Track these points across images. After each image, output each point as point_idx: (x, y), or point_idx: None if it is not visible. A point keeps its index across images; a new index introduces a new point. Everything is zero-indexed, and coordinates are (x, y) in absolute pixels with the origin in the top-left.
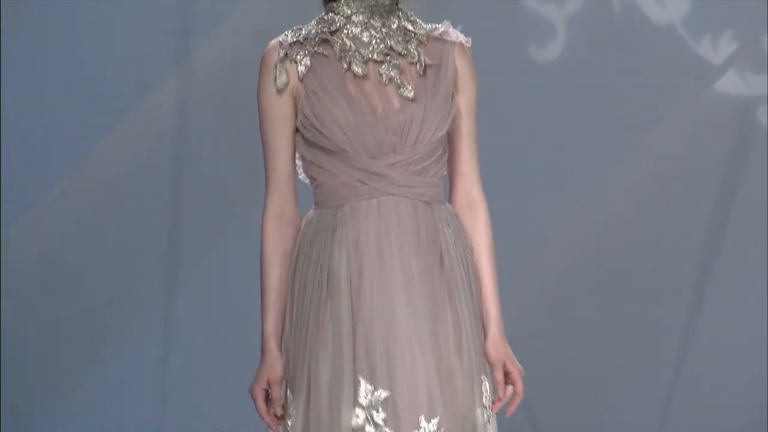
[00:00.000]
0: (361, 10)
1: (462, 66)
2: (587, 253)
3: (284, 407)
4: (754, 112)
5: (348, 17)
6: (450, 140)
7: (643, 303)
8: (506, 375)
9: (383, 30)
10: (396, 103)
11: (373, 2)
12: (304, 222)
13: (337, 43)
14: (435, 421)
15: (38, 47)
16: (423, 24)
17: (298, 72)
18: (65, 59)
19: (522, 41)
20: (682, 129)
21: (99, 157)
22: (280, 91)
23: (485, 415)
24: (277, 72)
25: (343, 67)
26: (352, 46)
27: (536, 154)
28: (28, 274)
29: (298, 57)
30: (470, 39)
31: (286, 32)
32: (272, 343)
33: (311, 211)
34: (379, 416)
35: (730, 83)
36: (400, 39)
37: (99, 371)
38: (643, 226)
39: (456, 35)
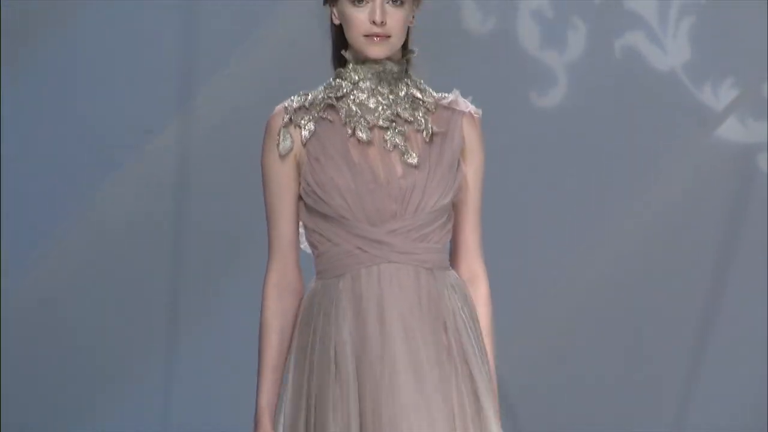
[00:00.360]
0: (369, 76)
1: (470, 136)
2: (588, 301)
3: None
4: (755, 159)
5: (355, 83)
6: (455, 210)
7: (645, 351)
8: None
9: (390, 97)
10: (399, 169)
11: (381, 69)
12: (306, 294)
13: (342, 108)
14: None
15: (38, 94)
16: (432, 92)
17: (301, 137)
18: (66, 106)
19: (523, 88)
20: (683, 174)
21: (99, 205)
22: (283, 157)
23: None
24: (281, 137)
25: (347, 132)
26: (358, 111)
27: (537, 199)
28: (28, 322)
29: (303, 122)
30: (480, 110)
31: (292, 97)
32: (265, 419)
33: (313, 281)
34: None
35: (731, 129)
36: (407, 106)
37: (99, 422)
38: (644, 272)
39: (465, 105)
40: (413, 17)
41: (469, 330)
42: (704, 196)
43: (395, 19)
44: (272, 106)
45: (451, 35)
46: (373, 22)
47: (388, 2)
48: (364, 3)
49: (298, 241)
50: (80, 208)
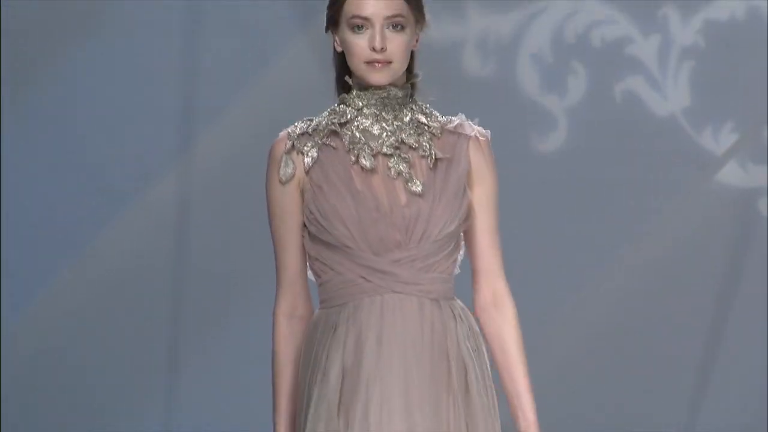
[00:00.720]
0: (372, 102)
1: (478, 159)
2: (587, 344)
3: None
4: (756, 203)
5: (359, 109)
6: (468, 237)
7: (644, 400)
8: None
9: (395, 123)
10: (403, 197)
11: (384, 94)
12: (310, 324)
13: (346, 135)
14: None
15: (39, 137)
16: (438, 116)
17: (304, 164)
18: (66, 151)
19: (523, 132)
20: (683, 219)
21: (99, 250)
22: (285, 184)
23: None
24: (283, 163)
25: (350, 159)
26: (362, 138)
27: (537, 245)
28: (28, 363)
29: (306, 148)
30: (489, 131)
31: (296, 123)
32: None
33: (316, 311)
34: None
35: (732, 174)
36: (412, 132)
37: None
38: (644, 317)
39: (471, 128)
40: (417, 41)
41: (474, 363)
42: (705, 241)
43: (396, 44)
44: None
45: (451, 79)
46: (373, 49)
47: (388, 27)
48: (364, 29)
49: (305, 270)
50: (80, 251)
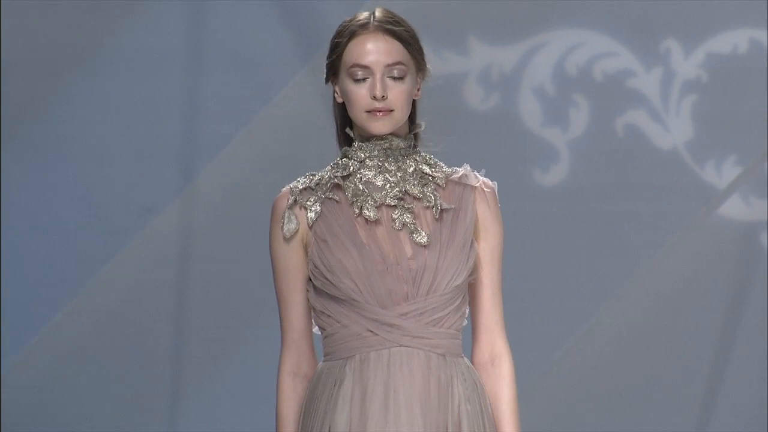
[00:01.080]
0: (375, 153)
1: (483, 211)
2: (589, 380)
3: None
4: (758, 237)
5: (362, 161)
6: (472, 290)
7: None
8: None
9: (398, 174)
10: (408, 250)
11: (387, 145)
12: (313, 376)
13: (349, 187)
14: None
15: (40, 171)
16: (443, 166)
17: (307, 219)
18: (67, 184)
19: (526, 165)
20: (686, 253)
21: (101, 285)
22: (288, 240)
23: None
24: (285, 219)
25: (354, 212)
26: (365, 190)
27: (539, 278)
28: (30, 396)
29: (308, 203)
30: (496, 183)
31: (299, 178)
32: None
33: (320, 363)
34: None
35: (734, 207)
36: (416, 182)
37: None
38: (646, 350)
39: (477, 179)
40: (418, 90)
41: (476, 422)
42: (707, 275)
43: (396, 92)
44: (272, 184)
45: (453, 113)
46: (374, 97)
47: (388, 76)
48: (364, 79)
49: (310, 327)
50: (81, 287)
